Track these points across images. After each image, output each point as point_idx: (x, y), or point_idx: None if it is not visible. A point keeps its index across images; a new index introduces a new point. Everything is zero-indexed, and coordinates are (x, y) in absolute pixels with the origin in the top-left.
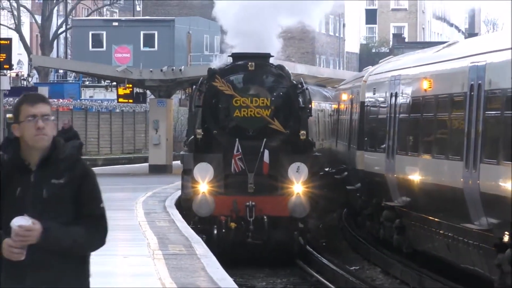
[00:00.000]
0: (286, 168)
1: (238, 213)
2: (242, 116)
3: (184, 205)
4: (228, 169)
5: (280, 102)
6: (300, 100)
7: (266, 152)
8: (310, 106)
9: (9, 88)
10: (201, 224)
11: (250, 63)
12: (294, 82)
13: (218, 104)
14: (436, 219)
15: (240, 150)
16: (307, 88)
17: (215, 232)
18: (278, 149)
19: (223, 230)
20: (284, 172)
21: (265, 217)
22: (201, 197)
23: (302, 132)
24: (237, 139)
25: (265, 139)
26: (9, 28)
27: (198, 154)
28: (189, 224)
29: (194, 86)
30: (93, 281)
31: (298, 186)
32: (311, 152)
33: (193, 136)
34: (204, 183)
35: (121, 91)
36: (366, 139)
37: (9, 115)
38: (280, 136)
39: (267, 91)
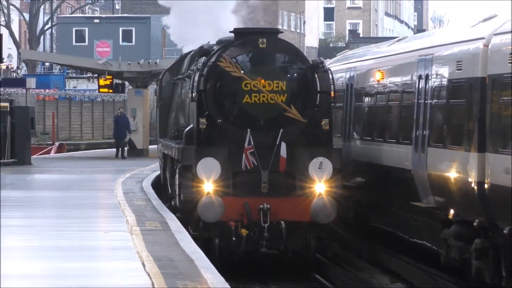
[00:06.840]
0: (305, 164)
1: (251, 218)
2: (253, 103)
3: (185, 208)
4: (236, 165)
5: (297, 85)
6: (321, 82)
7: (283, 145)
8: (332, 90)
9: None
10: (206, 231)
11: (261, 40)
12: (314, 61)
13: (223, 88)
14: (388, 198)
15: (253, 143)
16: (329, 69)
17: (217, 241)
18: (295, 141)
19: (234, 238)
20: (303, 169)
21: (282, 222)
22: (207, 199)
23: (324, 121)
24: (248, 130)
25: (281, 130)
26: (0, 25)
27: (202, 148)
28: (188, 231)
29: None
30: (76, 254)
31: (320, 186)
32: (332, 144)
33: (192, 126)
34: (209, 182)
35: (102, 82)
36: None
37: (2, 104)
38: (298, 126)
39: (282, 73)
